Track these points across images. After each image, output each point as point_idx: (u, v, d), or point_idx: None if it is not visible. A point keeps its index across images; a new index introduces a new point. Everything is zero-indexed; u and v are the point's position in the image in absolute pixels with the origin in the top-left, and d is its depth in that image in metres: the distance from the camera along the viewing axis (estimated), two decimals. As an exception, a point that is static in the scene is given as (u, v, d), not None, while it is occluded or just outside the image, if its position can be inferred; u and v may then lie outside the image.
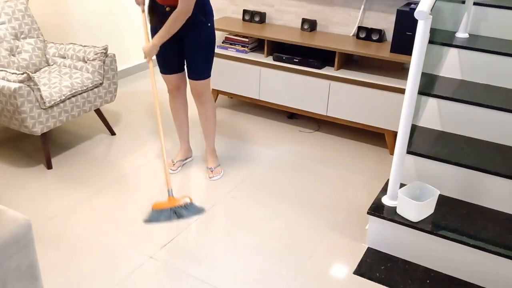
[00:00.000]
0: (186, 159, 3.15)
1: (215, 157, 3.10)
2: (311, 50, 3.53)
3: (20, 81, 2.77)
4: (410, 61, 2.12)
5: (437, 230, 2.25)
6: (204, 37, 2.71)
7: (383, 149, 3.45)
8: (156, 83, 2.83)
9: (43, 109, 2.90)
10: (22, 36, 3.32)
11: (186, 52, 2.77)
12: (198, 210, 2.68)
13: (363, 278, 2.27)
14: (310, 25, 3.64)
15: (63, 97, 3.01)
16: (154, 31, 2.71)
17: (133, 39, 4.57)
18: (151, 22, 2.73)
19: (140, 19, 2.86)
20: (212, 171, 3.02)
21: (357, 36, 3.49)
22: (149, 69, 2.84)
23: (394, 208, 2.38)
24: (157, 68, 2.93)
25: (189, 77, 2.84)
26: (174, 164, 3.07)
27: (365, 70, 3.44)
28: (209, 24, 2.71)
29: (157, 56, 2.80)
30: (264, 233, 2.55)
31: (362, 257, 2.39)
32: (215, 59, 3.78)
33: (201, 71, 2.79)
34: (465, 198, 2.47)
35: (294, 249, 2.44)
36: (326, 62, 3.48)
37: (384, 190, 2.50)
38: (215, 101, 4.00)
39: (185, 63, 2.83)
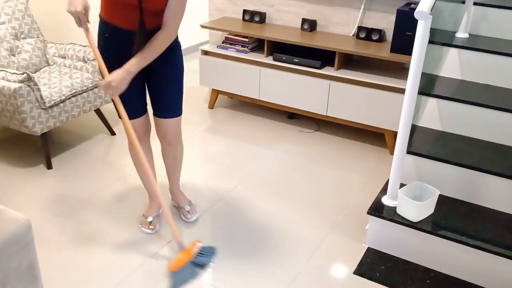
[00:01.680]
0: (159, 211, 2.62)
1: (183, 194, 2.67)
2: (311, 50, 3.53)
3: (20, 81, 2.77)
4: (410, 61, 2.12)
5: (437, 230, 2.25)
6: (179, 63, 2.24)
7: (383, 149, 3.45)
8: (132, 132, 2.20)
9: (43, 109, 2.90)
10: (22, 36, 3.33)
11: (157, 85, 2.23)
12: (213, 251, 2.37)
13: (363, 278, 2.27)
14: (310, 25, 3.64)
15: (63, 97, 3.01)
16: (109, 62, 2.08)
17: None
18: (105, 50, 2.14)
19: (86, 43, 2.18)
20: (189, 211, 2.60)
21: (357, 36, 3.49)
22: (122, 119, 2.14)
23: (394, 208, 2.38)
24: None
25: (162, 116, 2.29)
26: (151, 223, 2.51)
27: (365, 70, 3.44)
28: (180, 49, 2.26)
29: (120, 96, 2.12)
30: (264, 233, 2.55)
31: (362, 257, 2.39)
32: (215, 59, 3.78)
33: (178, 106, 2.31)
34: (465, 198, 2.47)
35: (294, 249, 2.44)
36: (326, 62, 3.48)
37: (384, 190, 2.51)
38: (215, 101, 4.00)
39: (156, 99, 2.27)
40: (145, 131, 2.38)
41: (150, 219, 2.53)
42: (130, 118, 2.21)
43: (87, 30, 2.08)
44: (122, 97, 2.12)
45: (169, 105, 2.28)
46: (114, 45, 2.11)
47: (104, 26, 2.11)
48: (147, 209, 2.60)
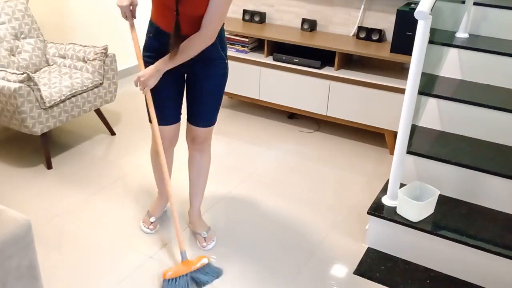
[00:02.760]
0: (165, 207, 2.63)
1: (202, 220, 2.54)
2: (311, 50, 3.53)
3: (20, 81, 2.77)
4: (410, 61, 2.12)
5: (437, 230, 2.25)
6: (219, 77, 2.19)
7: (383, 149, 3.45)
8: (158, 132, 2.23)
9: (43, 109, 2.90)
10: (22, 36, 3.32)
11: (194, 94, 2.22)
12: (217, 272, 2.24)
13: (363, 278, 2.27)
14: (310, 25, 3.64)
15: (63, 97, 3.01)
16: (149, 61, 2.14)
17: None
18: (146, 48, 2.19)
19: (129, 37, 2.19)
20: (205, 239, 2.43)
21: (357, 36, 3.49)
22: (151, 123, 2.19)
23: (394, 208, 2.38)
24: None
25: (193, 124, 2.28)
26: (152, 224, 2.53)
27: (365, 70, 3.44)
28: (226, 61, 2.19)
29: (153, 101, 2.19)
30: (264, 233, 2.55)
31: (362, 257, 2.39)
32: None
33: (210, 116, 2.27)
34: (465, 198, 2.47)
35: (294, 249, 2.44)
36: (326, 62, 3.48)
37: (384, 190, 2.51)
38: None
39: (191, 106, 2.26)
40: (172, 140, 2.35)
41: (153, 219, 2.53)
42: (161, 124, 2.23)
43: (131, 25, 2.16)
44: (159, 102, 2.18)
45: (202, 115, 2.26)
46: (155, 45, 2.14)
47: (150, 26, 2.15)
48: (153, 208, 2.58)
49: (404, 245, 2.36)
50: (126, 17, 2.14)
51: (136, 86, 2.11)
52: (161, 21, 2.08)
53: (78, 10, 4.00)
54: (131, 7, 2.11)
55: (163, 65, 2.04)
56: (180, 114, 2.32)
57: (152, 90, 2.16)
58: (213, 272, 2.22)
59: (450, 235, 2.21)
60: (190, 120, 2.30)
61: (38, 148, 3.27)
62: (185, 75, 2.20)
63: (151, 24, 2.15)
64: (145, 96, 2.18)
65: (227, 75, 2.23)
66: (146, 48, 2.18)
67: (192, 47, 2.01)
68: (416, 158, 2.51)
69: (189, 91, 2.25)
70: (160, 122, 2.23)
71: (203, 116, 2.27)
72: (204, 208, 2.73)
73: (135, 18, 2.15)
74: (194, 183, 2.45)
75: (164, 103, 2.22)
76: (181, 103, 2.30)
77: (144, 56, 2.17)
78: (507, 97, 2.65)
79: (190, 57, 2.04)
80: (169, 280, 2.13)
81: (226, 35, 3.78)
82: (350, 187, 2.98)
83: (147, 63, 2.14)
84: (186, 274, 2.16)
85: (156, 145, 2.23)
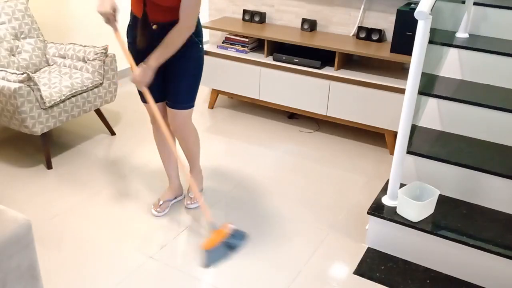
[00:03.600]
0: (175, 197, 2.74)
1: (199, 181, 2.76)
2: (311, 50, 3.53)
3: (20, 81, 2.77)
4: (410, 61, 2.12)
5: (437, 230, 2.25)
6: (195, 60, 2.34)
7: (383, 149, 3.45)
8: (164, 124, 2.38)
9: (43, 109, 2.90)
10: (22, 36, 3.33)
11: (170, 76, 2.35)
12: (244, 235, 2.41)
13: (363, 278, 2.27)
14: (310, 25, 3.64)
15: (63, 97, 3.01)
16: (137, 56, 2.28)
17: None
18: (136, 44, 2.30)
19: (115, 41, 2.28)
20: (191, 198, 2.69)
21: (357, 36, 3.49)
22: (150, 104, 2.32)
23: (394, 208, 2.38)
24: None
25: (168, 106, 2.41)
26: (160, 206, 2.64)
27: (365, 70, 3.44)
28: (200, 46, 2.34)
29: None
30: (264, 233, 2.55)
31: (362, 257, 2.39)
32: (215, 59, 3.78)
33: (183, 99, 2.39)
34: (465, 198, 2.47)
35: (294, 249, 2.44)
36: (326, 62, 3.48)
37: (384, 190, 2.50)
38: (215, 101, 4.00)
39: (168, 90, 2.40)
40: (163, 115, 2.45)
41: (160, 202, 2.66)
42: (146, 102, 2.40)
43: (115, 29, 2.24)
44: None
45: (177, 96, 2.39)
46: (133, 32, 2.31)
47: (130, 15, 2.32)
48: (163, 193, 2.72)
49: (404, 245, 2.36)
50: (109, 22, 2.21)
51: (134, 84, 2.26)
52: (135, 9, 2.25)
53: (78, 10, 4.00)
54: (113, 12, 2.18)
55: (154, 61, 2.18)
56: (164, 95, 2.44)
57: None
58: (240, 236, 2.39)
59: (450, 235, 2.21)
60: (168, 103, 2.43)
61: (38, 148, 3.27)
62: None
63: (130, 13, 2.31)
64: (142, 90, 2.29)
65: (202, 59, 2.38)
66: (127, 35, 2.37)
67: (175, 40, 2.16)
68: (416, 158, 2.51)
69: (166, 74, 2.36)
70: (145, 100, 2.39)
71: (178, 97, 2.38)
72: (204, 208, 2.73)
73: (117, 22, 2.22)
74: (186, 157, 2.67)
75: (153, 84, 2.30)
76: (163, 85, 2.41)
77: (128, 43, 2.34)
78: (507, 97, 2.65)
79: (176, 49, 2.18)
80: (209, 250, 2.28)
81: (226, 35, 3.81)
82: (350, 187, 2.98)
83: (130, 50, 2.32)
84: (222, 242, 2.30)
85: (156, 117, 2.35)
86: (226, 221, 2.48)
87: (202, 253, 2.31)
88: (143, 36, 2.23)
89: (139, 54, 2.27)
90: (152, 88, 2.31)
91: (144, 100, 2.43)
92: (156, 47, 2.18)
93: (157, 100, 2.38)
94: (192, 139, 2.57)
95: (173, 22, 2.15)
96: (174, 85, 2.37)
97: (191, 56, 2.32)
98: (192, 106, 2.44)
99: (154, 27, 2.23)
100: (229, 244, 2.32)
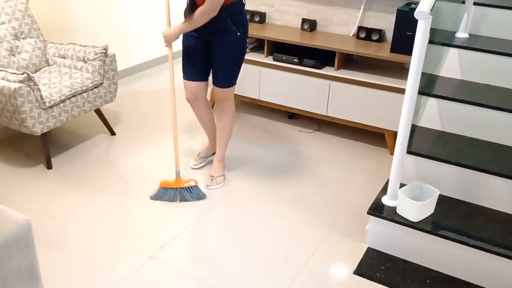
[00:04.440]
0: (210, 155, 3.17)
1: (222, 166, 3.01)
2: (311, 50, 3.53)
3: (20, 81, 2.77)
4: (410, 61, 2.12)
5: (437, 230, 2.25)
6: (231, 45, 2.66)
7: (383, 149, 3.45)
8: (173, 72, 2.75)
9: (43, 109, 2.90)
10: (22, 36, 3.32)
11: (212, 58, 2.73)
12: (200, 195, 2.79)
13: (363, 278, 2.27)
14: (310, 25, 3.64)
15: (63, 97, 3.01)
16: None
17: (134, 39, 4.57)
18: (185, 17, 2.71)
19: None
20: (212, 180, 2.94)
21: (357, 36, 3.49)
22: (168, 56, 2.79)
23: (394, 208, 2.38)
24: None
25: (214, 84, 2.80)
26: (196, 160, 3.12)
27: (365, 70, 3.44)
28: (238, 34, 2.63)
29: (183, 58, 2.80)
30: (264, 233, 2.55)
31: (362, 257, 2.39)
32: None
33: (224, 79, 2.76)
34: (465, 198, 2.47)
35: (294, 249, 2.44)
36: (326, 62, 3.48)
37: (384, 190, 2.51)
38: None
39: (212, 70, 2.79)
40: (196, 95, 2.86)
41: (198, 157, 3.14)
42: (188, 79, 2.81)
43: None
44: (185, 59, 2.79)
45: (218, 76, 2.76)
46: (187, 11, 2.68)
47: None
48: (203, 149, 3.18)
49: (404, 245, 2.36)
50: None
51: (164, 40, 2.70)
52: None
53: (78, 10, 4.00)
54: None
55: (183, 27, 2.61)
56: (202, 75, 2.82)
57: (184, 50, 2.77)
58: (197, 194, 2.79)
59: (450, 235, 2.21)
60: (213, 81, 2.82)
61: (38, 148, 3.27)
62: (207, 43, 2.70)
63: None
64: (169, 50, 2.73)
65: (241, 46, 2.69)
66: (184, 14, 2.71)
67: (197, 19, 2.54)
68: (416, 158, 2.51)
69: (210, 57, 2.75)
70: (186, 77, 2.82)
71: (218, 78, 2.76)
72: (204, 208, 2.73)
73: None
74: (218, 136, 2.97)
75: (188, 61, 2.77)
76: (204, 66, 2.80)
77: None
78: (507, 97, 2.65)
79: (198, 25, 2.56)
80: (163, 188, 2.78)
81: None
82: (350, 187, 2.98)
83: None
84: (176, 188, 2.77)
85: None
86: (199, 237, 2.50)
87: (157, 189, 2.77)
88: (190, 16, 2.60)
89: (201, 37, 2.69)
90: (195, 67, 2.77)
91: (185, 77, 2.82)
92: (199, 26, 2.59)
93: (197, 79, 2.81)
94: (229, 115, 2.90)
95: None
96: (215, 66, 2.74)
97: (227, 41, 2.64)
98: (231, 85, 2.79)
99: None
100: (181, 193, 2.76)
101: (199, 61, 2.77)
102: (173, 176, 2.84)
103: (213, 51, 2.70)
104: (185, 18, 2.64)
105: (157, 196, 2.77)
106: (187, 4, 2.61)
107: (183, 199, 2.76)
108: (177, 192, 2.77)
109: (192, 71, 2.79)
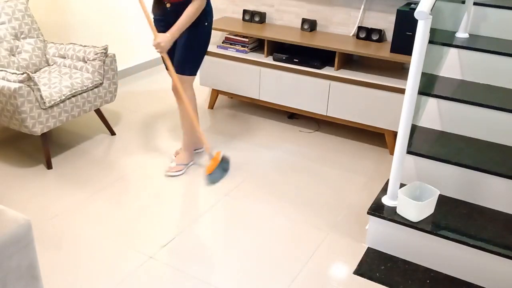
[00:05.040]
0: (195, 150, 3.22)
1: (185, 156, 3.09)
2: (311, 50, 3.53)
3: (20, 81, 2.77)
4: (410, 61, 2.12)
5: (437, 230, 2.25)
6: (198, 36, 2.76)
7: (383, 149, 3.45)
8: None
9: (43, 109, 2.90)
10: (22, 36, 3.32)
11: (177, 46, 2.78)
12: (228, 158, 2.91)
13: (363, 278, 2.27)
14: (310, 25, 3.64)
15: (63, 97, 3.01)
16: (156, 23, 2.78)
17: (133, 39, 4.57)
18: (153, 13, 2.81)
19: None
20: (171, 167, 3.04)
21: (357, 36, 3.49)
22: (166, 64, 2.78)
23: (394, 208, 2.38)
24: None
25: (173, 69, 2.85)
26: (175, 155, 3.15)
27: (365, 70, 3.44)
28: (206, 24, 2.76)
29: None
30: (264, 233, 2.55)
31: (362, 257, 2.39)
32: (215, 59, 3.78)
33: (184, 67, 2.82)
34: (465, 198, 2.47)
35: (294, 249, 2.44)
36: (326, 62, 3.48)
37: (384, 190, 2.50)
38: (215, 101, 4.00)
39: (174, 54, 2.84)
40: (175, 85, 2.90)
41: (179, 152, 3.18)
42: (166, 68, 2.80)
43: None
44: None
45: (178, 63, 2.81)
46: (157, 10, 2.79)
47: (155, 2, 2.78)
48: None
49: (404, 245, 2.36)
50: None
51: (156, 49, 2.68)
52: None
53: (78, 10, 4.00)
54: None
55: (176, 31, 2.65)
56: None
57: None
58: (227, 159, 2.86)
59: (450, 235, 2.21)
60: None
61: (38, 148, 3.27)
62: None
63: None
64: (162, 56, 2.73)
65: (207, 35, 2.82)
66: (152, 12, 2.81)
67: (192, 15, 2.62)
68: (416, 158, 2.51)
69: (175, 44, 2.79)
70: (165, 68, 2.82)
71: (177, 63, 2.81)
72: (204, 208, 2.73)
73: None
74: (181, 124, 3.06)
75: (170, 55, 2.75)
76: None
77: (154, 18, 2.79)
78: (507, 97, 2.65)
79: (190, 23, 2.65)
80: (211, 174, 2.77)
81: (226, 35, 3.81)
82: (350, 187, 2.98)
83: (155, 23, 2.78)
84: (218, 165, 2.79)
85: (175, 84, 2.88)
86: (198, 238, 2.48)
87: (206, 177, 2.79)
88: (158, 11, 2.75)
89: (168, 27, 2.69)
90: (170, 57, 2.77)
91: (166, 68, 2.83)
92: (169, 20, 2.68)
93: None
94: (188, 104, 2.83)
95: (184, 1, 2.62)
96: (178, 54, 2.80)
97: (195, 32, 2.73)
98: (192, 74, 2.86)
99: (167, 5, 2.71)
100: (223, 166, 2.81)
101: (171, 53, 2.80)
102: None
103: (179, 39, 2.74)
104: (155, 15, 2.77)
105: (213, 180, 2.83)
106: (164, 5, 2.70)
107: (227, 169, 2.88)
108: (220, 167, 2.83)
109: (168, 62, 2.80)
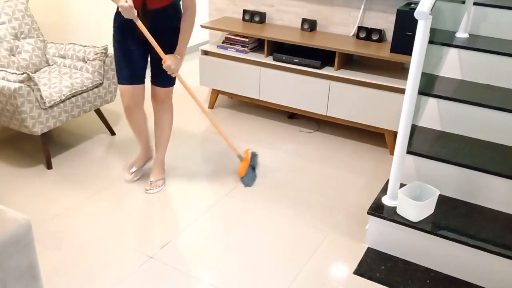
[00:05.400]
0: (146, 161, 3.03)
1: (162, 170, 2.93)
2: (311, 50, 3.53)
3: (20, 81, 2.77)
4: (410, 61, 2.12)
5: (437, 230, 2.25)
6: (176, 43, 2.59)
7: (383, 149, 3.45)
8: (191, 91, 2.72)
9: (43, 109, 2.90)
10: (22, 36, 3.32)
11: (154, 57, 2.61)
12: (256, 154, 3.05)
13: (363, 278, 2.27)
14: (310, 25, 3.64)
15: (63, 97, 3.01)
16: (121, 34, 2.60)
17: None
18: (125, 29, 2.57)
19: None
20: (151, 184, 2.86)
21: (357, 36, 3.49)
22: (183, 84, 2.68)
23: (394, 208, 2.38)
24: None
25: (155, 84, 2.72)
26: (132, 173, 2.93)
27: (365, 70, 3.44)
28: (178, 27, 2.60)
29: (119, 63, 2.63)
30: (264, 233, 2.55)
31: (362, 257, 2.39)
32: (215, 59, 3.78)
33: (170, 78, 2.67)
34: (465, 198, 2.47)
35: (294, 249, 2.44)
36: (326, 62, 3.48)
37: (384, 190, 2.51)
38: (215, 101, 4.00)
39: (153, 69, 2.69)
40: (138, 100, 2.71)
41: (133, 169, 2.95)
42: (131, 83, 2.63)
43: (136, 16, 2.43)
44: (123, 64, 2.61)
45: (163, 75, 2.64)
46: (120, 19, 2.54)
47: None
48: (135, 159, 3.00)
49: (404, 245, 2.36)
50: (130, 9, 2.37)
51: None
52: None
53: (78, 10, 4.00)
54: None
55: (183, 50, 2.57)
56: (142, 78, 2.70)
57: (119, 53, 2.61)
58: (255, 155, 3.02)
59: (450, 235, 2.21)
60: (152, 81, 2.74)
61: (38, 148, 3.27)
62: (145, 43, 2.54)
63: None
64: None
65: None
66: (114, 22, 2.63)
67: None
68: (416, 158, 2.51)
69: (151, 56, 2.65)
70: (128, 82, 2.63)
71: (163, 77, 2.66)
72: (204, 208, 2.73)
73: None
74: (158, 136, 2.87)
75: (127, 64, 2.61)
76: (143, 68, 2.69)
77: (115, 28, 2.62)
78: (507, 97, 2.65)
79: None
80: (244, 176, 2.92)
81: (226, 35, 3.82)
82: (350, 187, 2.98)
83: (121, 38, 2.60)
84: (249, 166, 2.94)
85: (126, 105, 2.71)
86: (197, 239, 2.53)
87: (240, 179, 2.91)
88: (144, 22, 2.47)
89: (139, 38, 2.51)
90: (138, 69, 2.64)
91: (127, 81, 2.64)
92: (149, 30, 2.46)
93: (140, 81, 2.67)
94: (170, 114, 2.84)
95: (165, 6, 2.50)
96: (158, 68, 2.61)
97: (173, 39, 2.57)
98: (174, 83, 2.74)
99: (147, 14, 2.50)
100: (253, 165, 2.95)
101: (139, 63, 2.64)
102: (235, 160, 3.05)
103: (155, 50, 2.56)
104: (121, 24, 2.55)
105: (249, 181, 2.92)
106: (139, 12, 2.44)
107: (256, 166, 3.02)
108: (251, 168, 2.96)
109: (132, 74, 2.62)
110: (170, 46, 2.58)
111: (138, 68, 2.65)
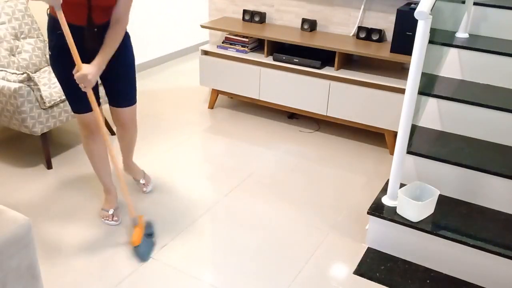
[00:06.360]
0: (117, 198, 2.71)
1: (136, 167, 2.83)
2: (311, 50, 3.53)
3: (20, 81, 2.77)
4: (410, 61, 2.12)
5: (437, 230, 2.25)
6: (131, 56, 2.41)
7: (383, 149, 3.45)
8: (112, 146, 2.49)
9: (43, 109, 2.90)
10: (22, 36, 3.33)
11: (111, 77, 2.37)
12: (152, 223, 2.55)
13: (363, 278, 2.27)
14: (310, 25, 3.64)
15: (63, 97, 3.00)
16: (61, 55, 2.21)
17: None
18: (57, 45, 2.22)
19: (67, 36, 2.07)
20: (144, 184, 2.84)
21: (357, 36, 3.49)
22: (96, 114, 2.28)
23: (394, 208, 2.38)
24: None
25: (120, 106, 2.46)
26: (114, 215, 2.59)
27: (365, 70, 3.44)
28: (128, 39, 2.42)
29: (69, 96, 2.32)
30: (264, 233, 2.55)
31: (362, 257, 2.39)
32: (215, 59, 3.78)
33: (133, 95, 2.47)
34: (465, 198, 2.47)
35: (294, 249, 2.44)
36: (326, 62, 3.48)
37: (384, 190, 2.51)
38: (215, 101, 4.00)
39: (110, 90, 2.44)
40: (98, 125, 2.38)
41: (111, 211, 2.60)
42: (88, 111, 2.33)
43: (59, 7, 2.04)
44: (75, 91, 2.24)
45: (124, 95, 2.45)
46: (56, 34, 2.19)
47: (57, 23, 2.10)
48: (105, 203, 2.65)
49: (404, 245, 2.36)
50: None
51: (80, 83, 2.12)
52: (71, 17, 2.12)
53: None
54: None
55: (102, 61, 2.16)
56: (98, 100, 2.40)
57: (69, 79, 2.19)
58: (150, 224, 2.52)
59: (450, 235, 2.22)
60: (112, 103, 2.48)
61: (38, 148, 3.27)
62: (91, 60, 2.19)
63: (56, 21, 2.11)
64: (88, 93, 2.20)
65: (133, 56, 2.44)
66: (57, 45, 2.22)
67: (118, 37, 2.21)
68: (416, 158, 2.52)
69: (106, 77, 2.37)
70: (85, 109, 2.33)
71: (124, 96, 2.45)
72: (204, 208, 2.73)
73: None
74: (125, 148, 2.69)
75: (80, 91, 2.21)
76: (97, 91, 2.44)
77: (57, 53, 2.23)
78: (507, 97, 2.65)
79: (116, 47, 2.22)
80: (137, 246, 2.36)
81: (226, 35, 3.82)
82: (350, 187, 2.98)
83: (61, 59, 2.22)
84: (144, 234, 2.43)
85: (86, 137, 2.45)
86: (197, 238, 2.52)
87: (134, 250, 2.36)
88: (92, 40, 2.20)
89: (85, 55, 2.17)
90: (93, 93, 2.26)
91: (83, 110, 2.32)
92: (96, 46, 2.19)
93: (96, 106, 2.27)
94: (136, 130, 2.65)
95: (110, 21, 2.22)
96: (121, 85, 2.41)
97: (127, 52, 2.39)
98: (136, 100, 2.53)
99: (95, 29, 2.21)
100: (149, 233, 2.46)
101: (95, 88, 2.38)
102: (130, 223, 2.55)
103: (111, 68, 2.29)
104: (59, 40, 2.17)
105: (146, 253, 2.36)
106: (85, 27, 2.17)
107: (153, 236, 2.47)
108: (148, 238, 2.44)
109: (86, 101, 2.26)
110: (127, 65, 2.40)
111: (93, 93, 2.27)
